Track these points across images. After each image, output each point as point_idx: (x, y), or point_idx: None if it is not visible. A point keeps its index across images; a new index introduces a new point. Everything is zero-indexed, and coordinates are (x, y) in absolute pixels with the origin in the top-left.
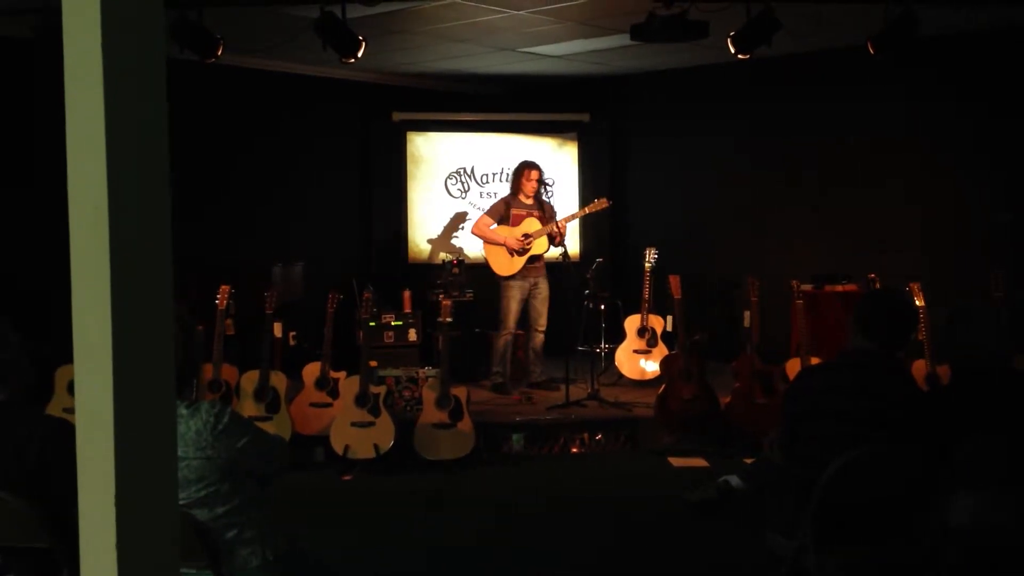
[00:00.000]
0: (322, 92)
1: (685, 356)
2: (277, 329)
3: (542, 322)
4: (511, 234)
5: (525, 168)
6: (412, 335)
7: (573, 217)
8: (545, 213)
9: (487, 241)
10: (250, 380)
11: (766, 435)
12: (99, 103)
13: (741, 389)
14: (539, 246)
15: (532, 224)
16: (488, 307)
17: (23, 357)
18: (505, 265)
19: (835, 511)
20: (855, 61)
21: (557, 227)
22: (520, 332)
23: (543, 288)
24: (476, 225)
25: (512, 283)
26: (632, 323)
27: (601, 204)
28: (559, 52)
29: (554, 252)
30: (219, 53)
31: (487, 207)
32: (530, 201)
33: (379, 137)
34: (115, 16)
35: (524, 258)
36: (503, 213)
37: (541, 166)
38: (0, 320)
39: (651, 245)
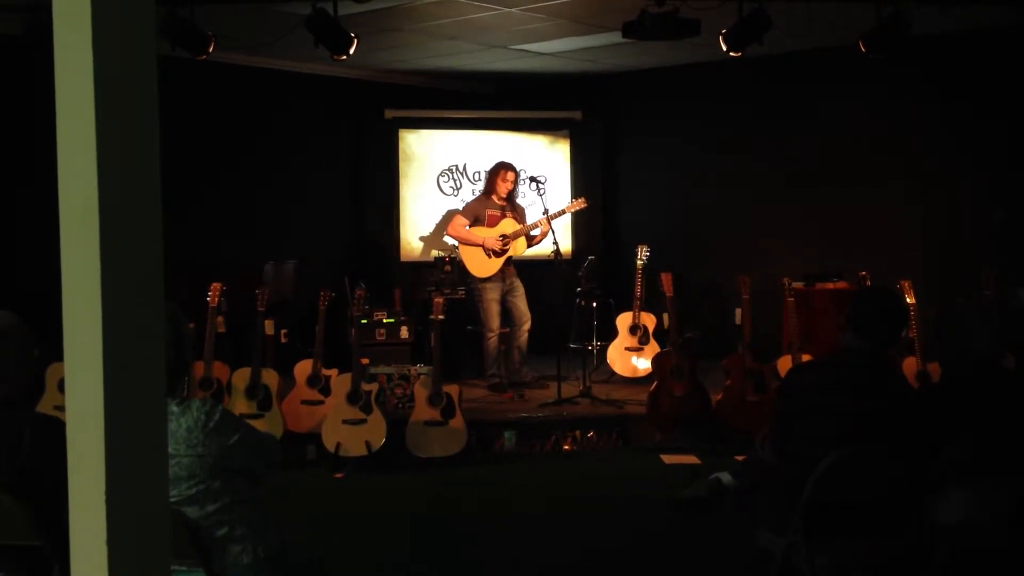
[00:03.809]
0: (314, 89)
1: (677, 354)
2: (269, 327)
3: (528, 318)
4: (489, 235)
5: (501, 169)
6: (404, 332)
7: (553, 217)
8: (517, 214)
9: (463, 242)
10: (241, 378)
11: (758, 432)
12: (90, 101)
13: (733, 387)
14: (518, 247)
15: (510, 225)
16: None
17: (29, 357)
18: (482, 266)
19: (826, 508)
20: (848, 60)
21: (546, 224)
22: (505, 330)
23: (520, 286)
24: (451, 226)
25: (489, 285)
26: (624, 321)
27: (579, 204)
28: (551, 50)
29: (545, 250)
30: (210, 50)
31: (460, 208)
32: (502, 202)
33: (371, 135)
34: (106, 13)
35: (502, 259)
36: (478, 213)
37: (520, 166)
38: (8, 317)
39: (643, 243)
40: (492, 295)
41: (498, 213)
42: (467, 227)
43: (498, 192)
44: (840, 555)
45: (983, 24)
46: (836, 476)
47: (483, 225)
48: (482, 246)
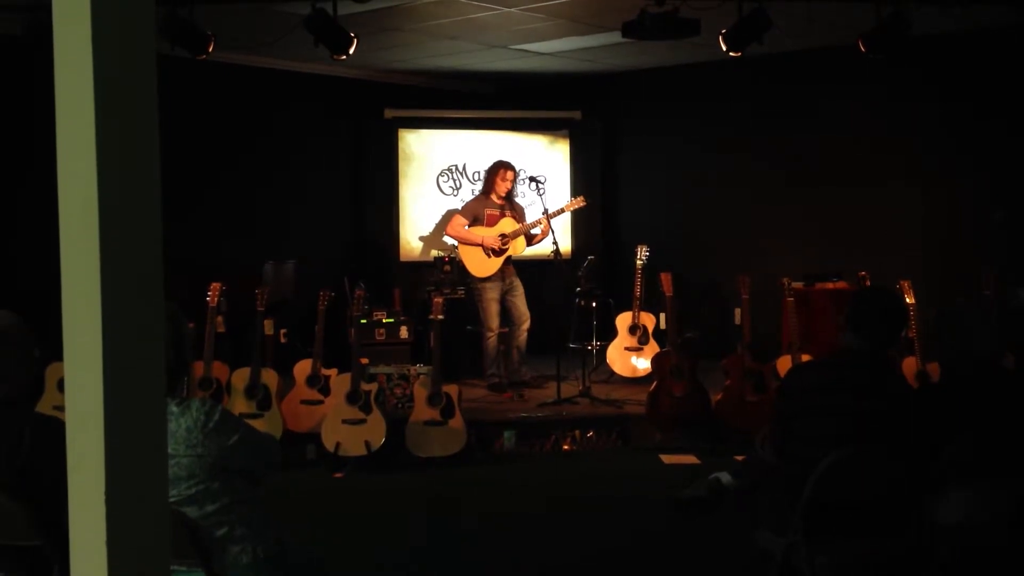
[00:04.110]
0: (314, 89)
1: (676, 353)
2: (268, 326)
3: (527, 318)
4: (488, 234)
5: (500, 168)
6: (404, 332)
7: (552, 216)
8: (516, 213)
9: (463, 242)
10: (241, 377)
11: (757, 432)
12: (89, 100)
13: (732, 387)
14: (517, 247)
15: (509, 224)
16: None
17: (29, 357)
18: (482, 266)
19: (826, 508)
20: (848, 60)
21: (546, 223)
22: (504, 330)
23: (519, 285)
24: (451, 225)
25: (488, 284)
26: (624, 320)
27: (578, 203)
28: (550, 49)
29: (545, 250)
30: (210, 50)
31: (459, 207)
32: (501, 201)
33: (371, 134)
34: (105, 13)
35: (501, 259)
36: (477, 213)
37: (519, 166)
38: (8, 317)
39: (642, 242)
40: (491, 294)
41: (497, 212)
42: (466, 227)
43: (497, 191)
44: (840, 555)
45: (983, 24)
46: (836, 476)
47: (482, 224)
48: (481, 245)
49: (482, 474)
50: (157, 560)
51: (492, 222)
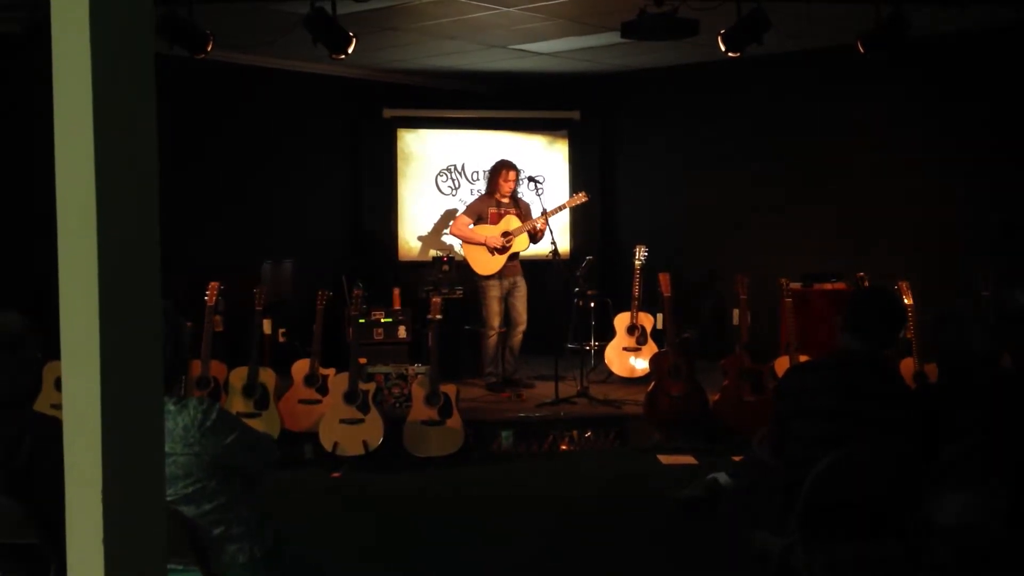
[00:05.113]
0: (312, 88)
1: (674, 354)
2: (266, 326)
3: (523, 321)
4: (491, 233)
5: (503, 168)
6: (402, 332)
7: (553, 212)
8: (521, 211)
9: (467, 241)
10: (239, 376)
11: (755, 432)
12: (87, 100)
13: (730, 387)
14: (519, 244)
15: (512, 222)
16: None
17: (33, 359)
18: (486, 264)
19: (823, 509)
20: (846, 60)
21: (543, 222)
22: (503, 329)
23: (522, 286)
24: (455, 225)
25: (492, 282)
26: (622, 321)
27: (579, 198)
28: (549, 49)
29: (544, 249)
30: (209, 49)
31: (463, 207)
32: (506, 200)
33: (370, 134)
34: (104, 11)
35: (505, 256)
36: (481, 212)
37: (518, 166)
38: (15, 319)
39: (641, 243)
40: (494, 292)
41: (500, 211)
42: (470, 226)
43: (501, 191)
44: (838, 555)
45: (983, 24)
46: (834, 477)
47: (486, 223)
48: (485, 244)
49: (480, 474)
50: (153, 559)
51: (495, 221)
